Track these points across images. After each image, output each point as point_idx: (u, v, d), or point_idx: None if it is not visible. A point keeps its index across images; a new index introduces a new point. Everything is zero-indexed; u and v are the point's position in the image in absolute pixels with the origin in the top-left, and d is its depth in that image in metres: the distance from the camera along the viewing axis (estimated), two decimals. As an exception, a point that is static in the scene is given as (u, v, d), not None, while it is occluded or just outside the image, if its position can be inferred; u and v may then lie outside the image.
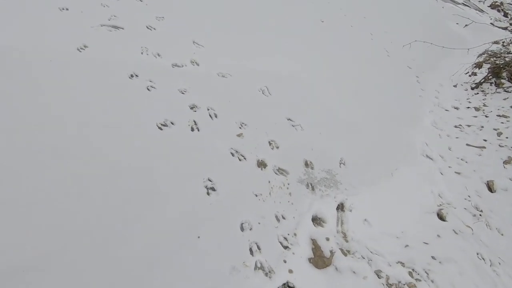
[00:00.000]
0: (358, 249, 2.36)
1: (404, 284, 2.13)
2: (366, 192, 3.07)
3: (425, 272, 2.26)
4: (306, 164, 3.11)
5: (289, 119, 3.59)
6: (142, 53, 3.55)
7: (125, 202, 2.11)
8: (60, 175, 2.08)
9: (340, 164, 3.30)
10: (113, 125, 2.56)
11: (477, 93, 5.87)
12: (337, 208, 2.76)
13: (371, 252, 2.38)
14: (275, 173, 2.87)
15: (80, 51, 3.17)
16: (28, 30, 3.11)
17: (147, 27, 4.02)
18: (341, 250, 2.29)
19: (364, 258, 2.29)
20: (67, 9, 3.64)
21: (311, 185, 2.91)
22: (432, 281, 2.21)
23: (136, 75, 3.18)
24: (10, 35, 2.95)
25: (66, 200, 1.98)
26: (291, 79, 4.28)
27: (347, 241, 2.42)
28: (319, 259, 2.17)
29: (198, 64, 3.79)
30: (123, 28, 3.78)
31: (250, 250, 2.19)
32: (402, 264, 2.31)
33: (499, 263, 2.63)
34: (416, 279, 2.20)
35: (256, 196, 2.57)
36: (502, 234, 2.98)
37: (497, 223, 3.09)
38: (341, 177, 3.15)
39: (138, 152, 2.47)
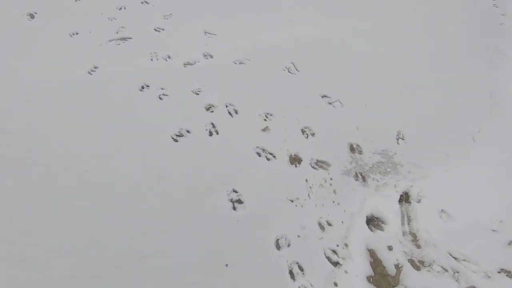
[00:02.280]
0: (437, 257, 1.76)
1: (515, 307, 1.49)
2: (438, 171, 2.36)
3: (548, 284, 1.57)
4: (352, 149, 2.52)
5: (324, 96, 2.98)
6: (152, 60, 3.31)
7: (140, 234, 1.91)
8: (76, 211, 1.98)
9: (398, 139, 2.61)
10: (126, 149, 2.38)
11: None
12: (400, 200, 2.15)
13: (455, 259, 1.76)
14: (313, 167, 2.37)
15: (91, 74, 3.07)
16: (43, 63, 3.12)
17: (155, 29, 3.76)
18: (411, 262, 1.73)
19: (446, 270, 1.69)
20: (77, 33, 3.59)
21: (361, 175, 2.34)
22: None
23: (147, 86, 2.96)
24: (27, 70, 2.99)
25: (87, 230, 1.87)
26: (321, 45, 3.58)
27: (419, 246, 1.83)
28: (382, 279, 1.66)
29: (212, 56, 3.40)
30: (131, 38, 3.59)
31: (291, 273, 1.80)
32: (508, 273, 1.64)
33: None
34: (535, 297, 1.53)
35: (292, 201, 2.14)
36: None
37: None
38: (401, 157, 2.48)
39: (153, 173, 2.25)
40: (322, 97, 2.97)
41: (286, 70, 3.28)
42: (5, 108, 2.61)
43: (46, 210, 1.98)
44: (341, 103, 2.91)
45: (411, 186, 2.21)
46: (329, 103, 2.92)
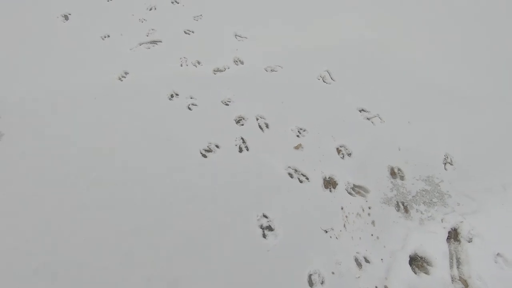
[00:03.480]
0: (493, 313, 1.56)
1: None
2: (492, 205, 2.10)
3: None
4: (393, 173, 2.31)
5: (362, 110, 2.77)
6: (181, 65, 3.24)
7: (168, 258, 1.86)
8: (107, 228, 1.97)
9: (445, 164, 2.37)
10: (156, 163, 2.34)
11: None
12: (448, 238, 1.94)
13: (517, 318, 1.55)
14: (349, 193, 2.20)
15: (121, 80, 3.05)
16: (76, 68, 3.14)
17: (185, 32, 3.67)
18: (464, 318, 1.55)
19: (506, 332, 1.49)
20: (108, 36, 3.58)
21: (403, 205, 2.14)
22: None
23: (177, 94, 2.89)
24: (59, 77, 3.01)
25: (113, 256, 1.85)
26: (359, 51, 3.33)
27: (471, 297, 1.64)
28: (428, 334, 1.50)
29: (242, 62, 3.27)
30: (161, 41, 3.53)
31: (324, 315, 1.67)
32: None
33: None
34: None
35: (327, 232, 1.99)
36: None
37: None
38: (449, 186, 2.24)
39: (182, 191, 2.18)
40: (360, 111, 2.76)
41: (321, 79, 3.08)
42: (37, 116, 2.63)
43: (75, 226, 1.98)
44: (380, 119, 2.68)
45: (461, 222, 1.98)
46: (367, 118, 2.70)
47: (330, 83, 3.03)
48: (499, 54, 3.16)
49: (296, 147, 2.46)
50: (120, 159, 2.37)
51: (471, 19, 3.65)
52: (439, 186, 2.22)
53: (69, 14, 3.89)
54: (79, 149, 2.41)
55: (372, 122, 2.66)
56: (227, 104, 2.81)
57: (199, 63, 3.27)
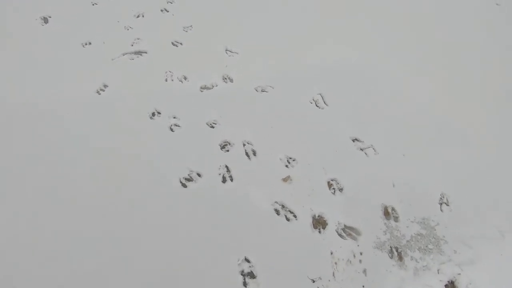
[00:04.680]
0: None
1: None
2: (490, 253, 1.97)
3: None
4: (387, 213, 2.15)
5: (356, 139, 2.61)
6: (166, 80, 3.02)
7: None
8: (62, 272, 1.73)
9: (441, 204, 2.23)
10: (129, 189, 2.12)
11: None
12: (445, 292, 1.78)
13: None
14: (340, 235, 2.02)
15: (99, 93, 2.81)
16: (50, 78, 2.90)
17: (172, 43, 3.46)
18: None
19: None
20: (90, 43, 3.34)
21: (396, 251, 1.98)
22: None
23: (159, 113, 2.68)
24: (30, 86, 2.78)
25: None
26: (355, 75, 3.19)
27: None
28: None
29: (231, 80, 3.07)
30: (146, 52, 3.31)
31: None
32: None
33: None
34: None
35: (314, 281, 1.81)
36: None
37: None
38: (445, 230, 2.09)
39: (155, 227, 1.97)
40: (353, 140, 2.60)
41: (313, 103, 2.91)
42: (7, 130, 2.39)
43: (30, 263, 1.74)
44: (374, 150, 2.53)
45: (459, 274, 1.83)
46: (361, 148, 2.55)
47: (323, 108, 2.87)
48: (502, 92, 3.05)
49: (285, 180, 2.28)
50: (89, 182, 2.14)
51: (473, 49, 3.57)
52: (435, 230, 2.08)
53: (49, 17, 3.64)
54: (45, 166, 2.18)
55: (366, 153, 2.51)
56: (212, 127, 2.61)
57: (185, 78, 3.06)
